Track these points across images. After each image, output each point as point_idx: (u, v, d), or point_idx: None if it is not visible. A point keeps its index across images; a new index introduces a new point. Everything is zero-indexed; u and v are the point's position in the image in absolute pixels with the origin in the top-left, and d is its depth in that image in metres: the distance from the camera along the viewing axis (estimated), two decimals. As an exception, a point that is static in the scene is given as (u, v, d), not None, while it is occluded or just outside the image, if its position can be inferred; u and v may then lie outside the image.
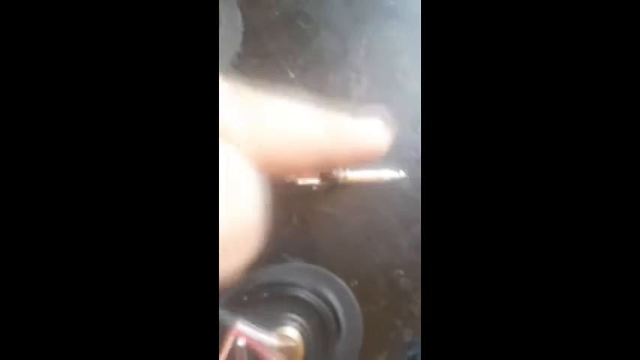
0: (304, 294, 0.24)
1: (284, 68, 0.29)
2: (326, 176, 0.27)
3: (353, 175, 0.28)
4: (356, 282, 0.27)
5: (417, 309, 0.27)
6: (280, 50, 0.29)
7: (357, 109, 0.18)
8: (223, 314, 0.23)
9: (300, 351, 0.23)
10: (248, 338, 0.22)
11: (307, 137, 0.12)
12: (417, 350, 0.26)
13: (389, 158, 0.28)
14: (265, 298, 0.24)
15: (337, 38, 0.30)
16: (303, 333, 0.24)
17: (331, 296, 0.25)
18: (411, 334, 0.27)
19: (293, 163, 0.12)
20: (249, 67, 0.29)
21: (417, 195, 0.28)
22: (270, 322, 0.24)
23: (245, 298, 0.24)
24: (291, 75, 0.29)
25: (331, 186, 0.28)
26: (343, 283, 0.26)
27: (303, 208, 0.28)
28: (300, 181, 0.28)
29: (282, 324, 0.24)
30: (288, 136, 0.12)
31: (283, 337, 0.23)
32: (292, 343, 0.23)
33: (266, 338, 0.22)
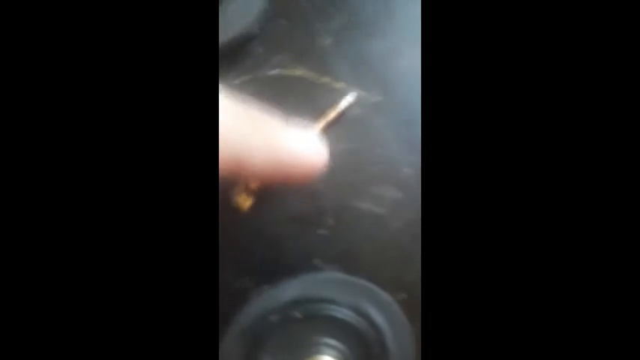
0: (343, 313, 0.20)
1: (318, 32, 0.24)
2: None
3: None
4: (404, 295, 0.23)
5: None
6: (313, 10, 0.24)
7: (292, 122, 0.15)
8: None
9: (340, 383, 0.19)
10: None
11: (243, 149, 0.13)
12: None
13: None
14: (299, 319, 0.19)
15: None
16: (343, 361, 0.20)
17: (375, 314, 0.21)
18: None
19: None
20: (279, 29, 0.24)
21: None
22: (303, 349, 0.19)
23: (273, 318, 0.20)
24: (327, 41, 0.24)
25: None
26: (389, 297, 0.21)
27: (339, 205, 0.24)
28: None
29: (318, 351, 0.19)
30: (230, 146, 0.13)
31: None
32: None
33: None
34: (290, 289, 0.21)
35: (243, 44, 0.23)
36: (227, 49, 0.23)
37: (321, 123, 0.23)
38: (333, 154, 0.24)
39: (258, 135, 0.14)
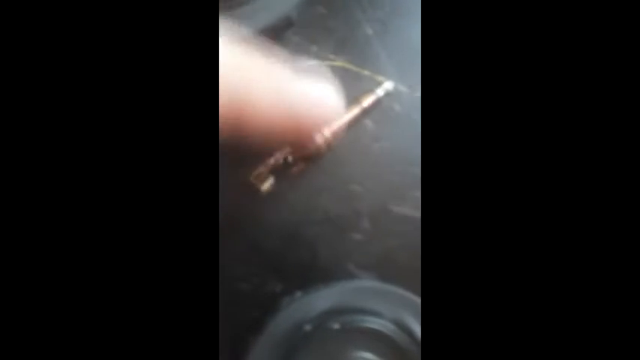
0: (383, 325, 0.19)
1: (359, 21, 0.22)
2: (297, 147, 0.21)
3: (337, 126, 0.21)
4: (444, 307, 0.22)
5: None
6: (355, -3, 0.22)
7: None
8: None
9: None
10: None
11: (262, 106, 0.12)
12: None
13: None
14: (336, 331, 0.18)
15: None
16: (382, 378, 0.18)
17: (417, 328, 0.19)
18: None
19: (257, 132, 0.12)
20: (317, 17, 0.22)
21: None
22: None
23: (308, 328, 0.18)
24: (369, 31, 0.22)
25: (310, 156, 0.22)
26: (429, 309, 0.20)
27: (376, 208, 0.22)
28: (272, 160, 0.21)
29: (356, 366, 0.18)
30: (249, 101, 0.12)
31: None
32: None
33: None
34: (325, 298, 0.19)
35: (279, 32, 0.22)
36: (263, 36, 0.21)
37: (355, 110, 0.22)
38: (370, 153, 0.23)
39: (264, 77, 0.12)
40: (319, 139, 0.21)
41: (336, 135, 0.21)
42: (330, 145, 0.21)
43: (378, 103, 0.22)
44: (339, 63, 0.22)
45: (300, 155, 0.21)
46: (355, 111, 0.22)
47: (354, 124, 0.22)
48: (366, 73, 0.22)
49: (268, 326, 0.19)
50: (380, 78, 0.22)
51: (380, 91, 0.22)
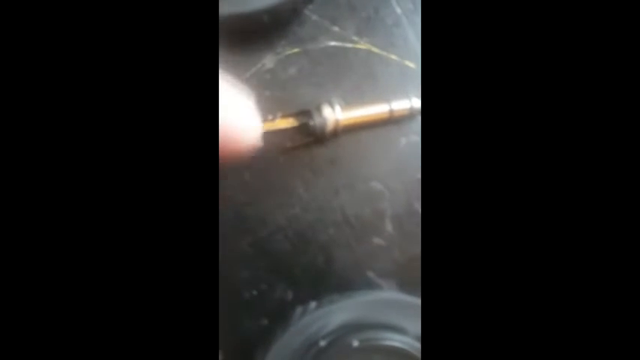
0: (407, 344, 0.16)
1: (389, 1, 0.20)
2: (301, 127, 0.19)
3: (352, 115, 0.19)
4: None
5: None
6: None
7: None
8: None
9: None
10: None
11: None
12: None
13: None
14: (355, 348, 0.16)
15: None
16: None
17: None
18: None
19: None
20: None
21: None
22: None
23: (323, 344, 0.16)
24: (397, 9, 0.20)
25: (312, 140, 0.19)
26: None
27: (399, 209, 0.20)
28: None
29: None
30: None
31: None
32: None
33: None
34: (343, 310, 0.17)
35: (296, 9, 0.20)
36: (277, 13, 0.19)
37: (381, 108, 0.19)
38: (396, 148, 0.20)
39: None
40: (329, 116, 0.18)
41: (346, 125, 0.19)
42: (335, 132, 0.19)
43: (411, 116, 0.20)
44: (362, 45, 0.20)
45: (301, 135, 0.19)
46: (380, 109, 0.19)
47: (376, 123, 0.19)
48: (393, 57, 0.20)
49: (278, 340, 0.17)
50: (408, 63, 0.20)
51: (416, 103, 0.19)
